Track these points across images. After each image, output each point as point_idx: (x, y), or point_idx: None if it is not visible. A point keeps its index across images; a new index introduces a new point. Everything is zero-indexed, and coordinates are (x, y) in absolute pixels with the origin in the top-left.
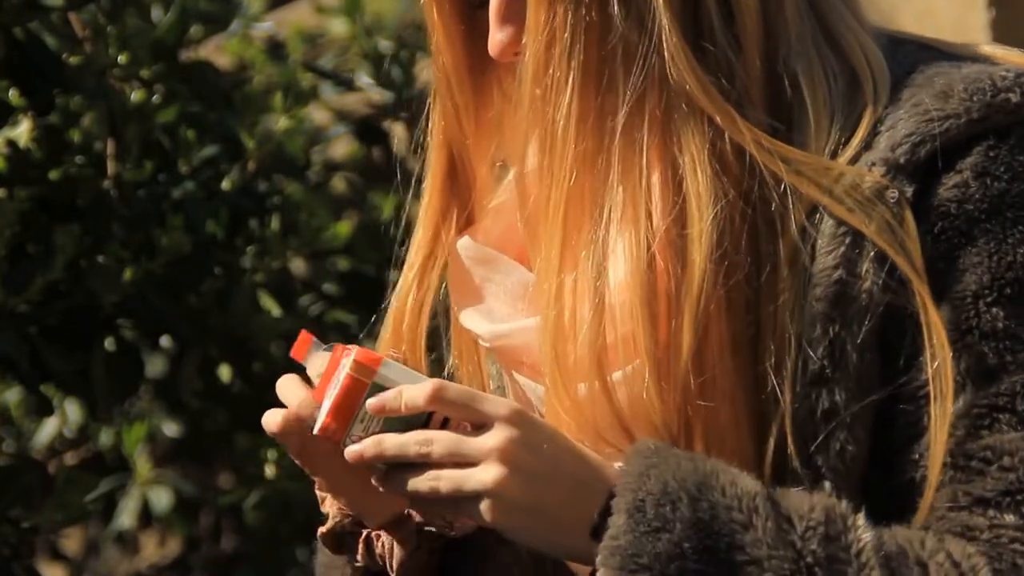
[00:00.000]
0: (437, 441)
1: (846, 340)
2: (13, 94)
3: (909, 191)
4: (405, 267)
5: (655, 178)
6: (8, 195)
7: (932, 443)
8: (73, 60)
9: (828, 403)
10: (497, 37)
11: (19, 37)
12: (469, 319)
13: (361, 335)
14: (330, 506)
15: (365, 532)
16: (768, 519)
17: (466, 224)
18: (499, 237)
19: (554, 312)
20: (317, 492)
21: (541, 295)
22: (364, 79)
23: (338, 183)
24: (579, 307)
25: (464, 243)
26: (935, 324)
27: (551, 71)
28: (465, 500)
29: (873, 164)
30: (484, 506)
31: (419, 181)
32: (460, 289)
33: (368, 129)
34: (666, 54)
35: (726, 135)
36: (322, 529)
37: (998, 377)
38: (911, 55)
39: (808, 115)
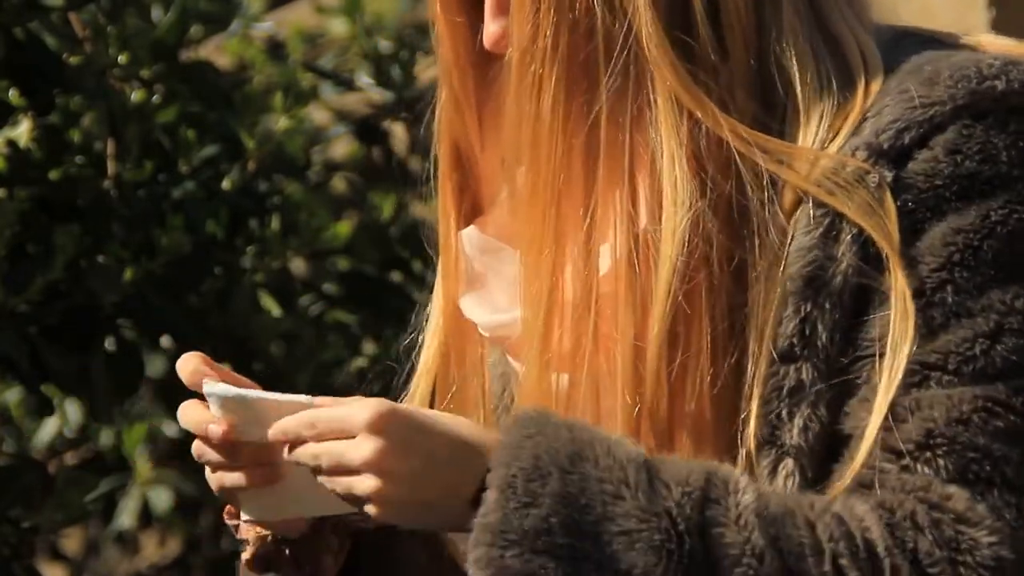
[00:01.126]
0: (323, 455)
1: (817, 320)
2: (13, 94)
3: (889, 176)
4: (438, 260)
5: (640, 175)
6: (8, 195)
7: (878, 396)
8: (73, 60)
9: (795, 381)
10: (491, 28)
11: (19, 37)
12: (469, 308)
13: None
14: (246, 532)
15: (288, 549)
16: (639, 489)
17: (476, 215)
18: (506, 228)
19: (544, 309)
20: (228, 521)
21: (530, 290)
22: (364, 79)
23: (338, 183)
24: (568, 303)
25: (469, 232)
26: (903, 294)
27: (535, 66)
28: (355, 501)
29: (856, 149)
30: (370, 509)
31: (421, 181)
32: (463, 278)
33: (368, 129)
34: (646, 50)
35: (704, 128)
36: (245, 556)
37: (936, 336)
38: (910, 48)
39: (799, 111)
